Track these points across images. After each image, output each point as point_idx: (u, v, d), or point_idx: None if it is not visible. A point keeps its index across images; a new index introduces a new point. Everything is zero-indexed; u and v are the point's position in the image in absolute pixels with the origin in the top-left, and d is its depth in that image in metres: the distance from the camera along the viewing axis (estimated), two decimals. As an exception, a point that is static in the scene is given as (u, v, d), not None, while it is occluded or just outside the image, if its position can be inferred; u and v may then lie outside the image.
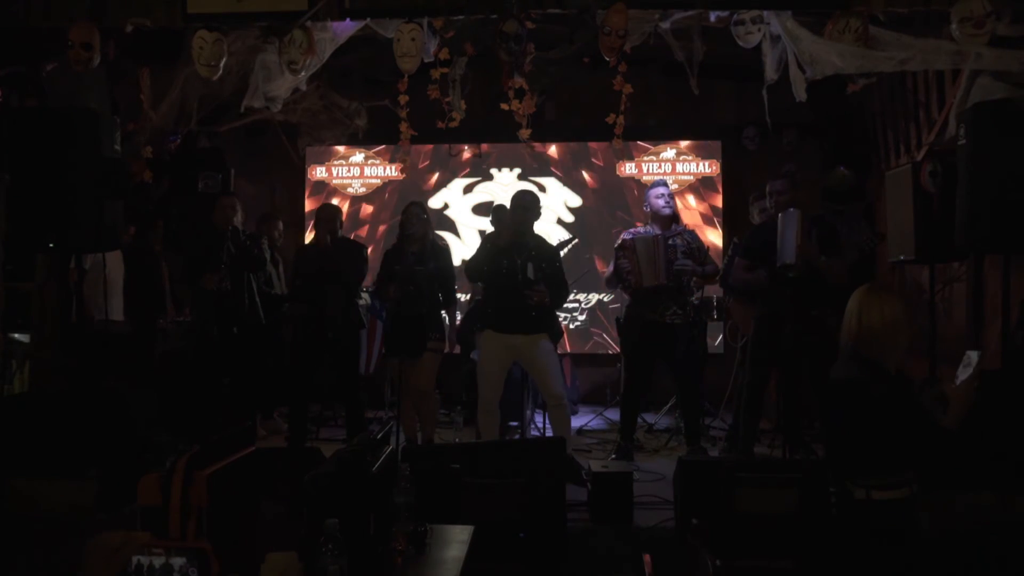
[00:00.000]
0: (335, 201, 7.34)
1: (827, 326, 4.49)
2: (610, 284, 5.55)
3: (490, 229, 6.11)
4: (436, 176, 7.61)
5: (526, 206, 4.79)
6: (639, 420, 5.56)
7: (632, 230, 5.29)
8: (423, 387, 5.06)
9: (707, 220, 7.36)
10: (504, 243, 4.76)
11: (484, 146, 7.11)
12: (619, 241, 5.23)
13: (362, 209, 7.63)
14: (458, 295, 5.57)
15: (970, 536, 2.91)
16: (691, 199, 7.38)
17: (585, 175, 7.53)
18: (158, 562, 1.64)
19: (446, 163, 7.59)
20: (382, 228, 7.56)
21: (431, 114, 4.32)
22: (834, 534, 2.64)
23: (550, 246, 4.94)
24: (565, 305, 5.80)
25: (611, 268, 5.31)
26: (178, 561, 1.65)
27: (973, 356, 2.38)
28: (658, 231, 5.07)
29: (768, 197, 4.93)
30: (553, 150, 7.53)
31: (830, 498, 2.74)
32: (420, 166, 7.55)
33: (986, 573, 2.84)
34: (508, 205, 4.93)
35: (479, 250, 4.91)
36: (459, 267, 5.78)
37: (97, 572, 1.54)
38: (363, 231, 7.56)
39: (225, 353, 5.17)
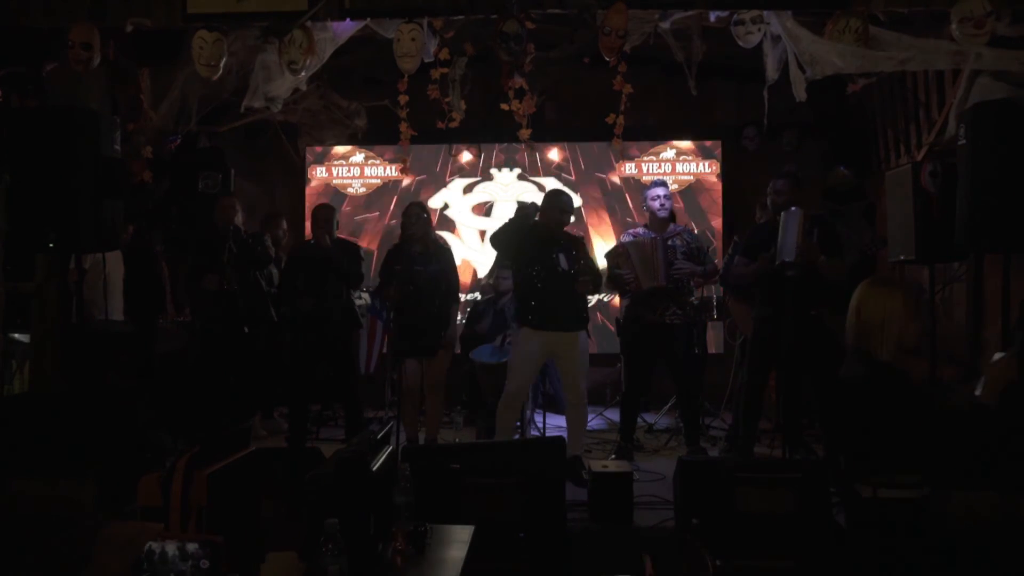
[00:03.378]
0: (336, 201, 7.32)
1: (826, 326, 4.50)
2: (608, 287, 5.55)
3: (490, 231, 6.12)
4: (437, 175, 7.60)
5: (566, 209, 4.77)
6: (639, 420, 5.56)
7: (632, 231, 5.29)
8: (434, 384, 5.10)
9: (707, 220, 7.35)
10: (538, 237, 4.70)
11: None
12: (612, 247, 5.21)
13: (362, 209, 7.62)
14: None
15: (970, 536, 2.90)
16: (691, 199, 7.37)
17: (585, 175, 7.52)
18: (171, 549, 1.65)
19: (446, 163, 7.58)
20: (381, 228, 7.55)
21: (431, 114, 4.32)
22: (838, 534, 2.62)
23: (575, 236, 4.96)
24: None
25: (607, 273, 5.28)
26: (191, 546, 1.66)
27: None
28: (656, 232, 5.06)
29: (768, 196, 4.93)
30: (554, 150, 7.52)
31: (835, 500, 2.72)
32: (421, 176, 7.54)
33: (986, 573, 2.83)
34: (544, 201, 4.83)
35: (512, 222, 4.76)
36: (460, 266, 5.77)
37: (110, 562, 1.53)
38: (362, 231, 7.55)
39: (230, 352, 5.17)
